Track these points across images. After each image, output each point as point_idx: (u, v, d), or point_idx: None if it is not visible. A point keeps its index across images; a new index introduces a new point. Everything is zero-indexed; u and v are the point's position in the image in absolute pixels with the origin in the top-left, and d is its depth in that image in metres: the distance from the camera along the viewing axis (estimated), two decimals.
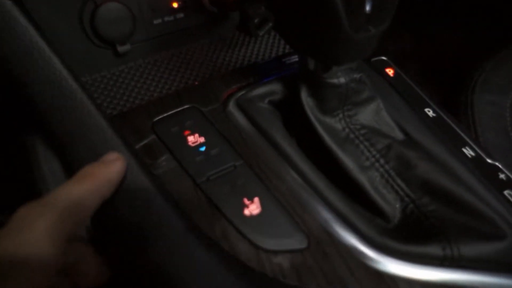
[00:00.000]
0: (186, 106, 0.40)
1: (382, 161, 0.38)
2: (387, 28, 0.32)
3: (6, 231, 0.24)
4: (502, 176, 0.41)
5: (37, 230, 0.23)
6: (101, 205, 0.28)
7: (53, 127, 0.32)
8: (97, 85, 0.53)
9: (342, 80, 0.36)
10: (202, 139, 0.38)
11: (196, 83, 0.52)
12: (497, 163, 0.42)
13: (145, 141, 0.38)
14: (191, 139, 0.38)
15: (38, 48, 0.31)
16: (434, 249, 0.33)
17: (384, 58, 0.50)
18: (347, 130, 0.39)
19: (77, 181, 0.27)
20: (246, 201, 0.34)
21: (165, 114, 0.39)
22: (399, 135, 0.41)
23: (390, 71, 0.48)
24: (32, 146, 0.44)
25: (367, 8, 0.31)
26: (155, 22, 0.55)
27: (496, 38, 0.71)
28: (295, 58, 0.46)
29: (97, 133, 0.33)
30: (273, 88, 0.41)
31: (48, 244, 0.23)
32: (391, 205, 0.37)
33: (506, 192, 0.39)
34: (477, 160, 0.42)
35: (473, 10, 1.03)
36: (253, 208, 0.34)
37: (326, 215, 0.34)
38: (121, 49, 0.53)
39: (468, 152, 0.42)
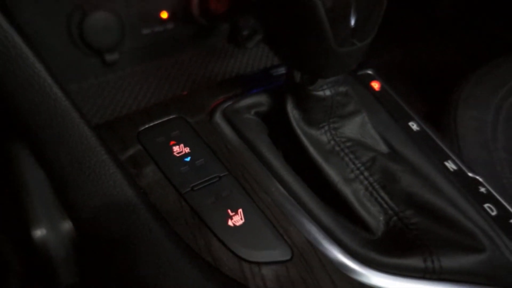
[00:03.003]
0: (172, 116, 0.40)
1: (366, 173, 0.39)
2: (370, 42, 0.33)
3: None
4: (482, 189, 0.41)
5: None
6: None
7: (35, 134, 0.32)
8: (84, 93, 0.53)
9: (328, 92, 0.37)
10: (187, 150, 0.38)
11: (185, 93, 0.52)
12: (478, 177, 0.43)
13: (130, 152, 0.38)
14: (176, 149, 0.38)
15: (21, 54, 0.31)
16: (415, 261, 0.33)
17: (370, 72, 0.51)
18: (332, 142, 0.40)
19: None
20: (230, 212, 0.34)
21: (150, 124, 0.39)
22: (384, 148, 0.41)
23: (375, 85, 0.49)
24: (16, 153, 0.43)
25: (352, 22, 0.31)
26: (145, 32, 0.55)
27: (480, 54, 0.73)
28: (282, 70, 0.47)
29: (80, 141, 0.32)
30: (260, 100, 0.41)
31: None
32: (375, 217, 0.37)
33: (486, 206, 0.40)
34: (459, 174, 0.42)
35: (459, 25, 1.07)
36: (236, 219, 0.34)
37: (310, 228, 0.34)
38: (109, 58, 0.53)
39: (450, 165, 0.43)
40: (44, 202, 0.42)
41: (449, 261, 0.33)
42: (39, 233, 0.41)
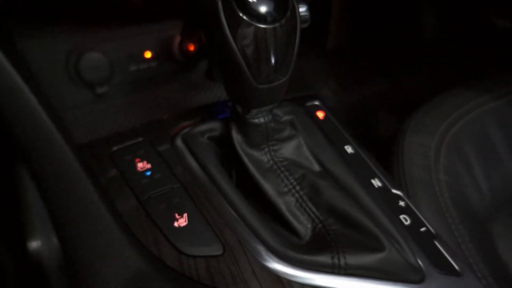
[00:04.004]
0: (140, 139, 0.49)
1: (298, 187, 0.46)
2: (288, 80, 0.41)
3: None
4: (402, 203, 0.48)
5: None
6: None
7: (27, 152, 0.41)
8: (78, 120, 0.62)
9: (262, 120, 0.45)
10: (149, 166, 0.46)
11: (165, 117, 0.61)
12: (399, 193, 0.50)
13: (109, 174, 0.46)
14: (140, 165, 0.46)
15: (19, 89, 0.40)
16: (324, 258, 0.40)
17: (317, 103, 0.59)
18: (271, 162, 0.48)
19: None
20: (177, 216, 0.42)
21: (122, 145, 0.48)
22: (316, 167, 0.49)
23: (320, 114, 0.57)
24: (18, 171, 0.52)
25: (273, 61, 0.39)
26: (131, 69, 0.65)
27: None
28: None
29: (62, 159, 0.41)
30: (213, 126, 0.50)
31: None
32: (304, 225, 0.45)
33: (402, 216, 0.47)
34: (383, 190, 0.50)
35: (440, 57, 1.16)
36: (181, 221, 0.42)
37: (242, 230, 0.42)
38: (99, 90, 0.63)
39: (376, 182, 0.50)
40: (40, 216, 0.50)
41: (353, 259, 0.40)
42: (34, 244, 0.48)
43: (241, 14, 0.36)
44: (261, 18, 0.36)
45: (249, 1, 0.36)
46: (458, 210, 0.58)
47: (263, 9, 0.36)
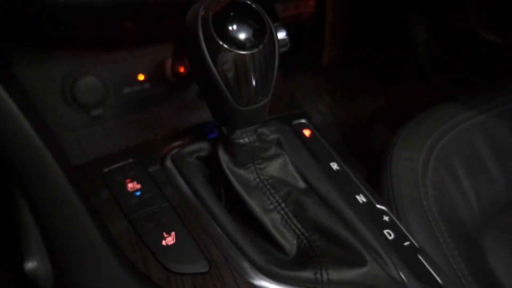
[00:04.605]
0: (130, 160, 0.51)
1: (283, 205, 0.48)
2: (269, 101, 0.43)
3: None
4: (386, 218, 0.50)
5: None
6: None
7: (20, 175, 0.43)
8: (74, 142, 0.64)
9: (246, 140, 0.47)
10: (138, 186, 0.48)
11: (156, 137, 0.63)
12: (384, 208, 0.51)
13: (101, 195, 0.48)
14: (130, 185, 0.48)
15: (13, 114, 0.42)
16: (307, 274, 0.41)
17: (303, 121, 0.61)
18: (257, 180, 0.49)
19: None
20: (165, 234, 0.43)
21: (113, 166, 0.50)
22: (301, 184, 0.50)
23: (307, 132, 0.59)
24: (16, 194, 0.54)
25: (254, 83, 0.41)
26: (125, 91, 0.67)
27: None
28: None
29: (54, 182, 0.43)
30: (201, 146, 0.52)
31: None
32: (290, 241, 0.46)
33: (385, 231, 0.48)
34: (368, 205, 0.51)
35: (435, 72, 1.18)
36: (169, 240, 0.43)
37: (227, 247, 0.43)
38: (94, 112, 0.65)
39: (360, 198, 0.51)
40: (37, 237, 0.51)
41: (336, 274, 0.41)
42: (30, 265, 0.49)
43: (221, 42, 0.38)
44: (240, 45, 0.38)
45: (228, 29, 0.38)
46: (447, 224, 0.59)
47: (241, 36, 0.38)
